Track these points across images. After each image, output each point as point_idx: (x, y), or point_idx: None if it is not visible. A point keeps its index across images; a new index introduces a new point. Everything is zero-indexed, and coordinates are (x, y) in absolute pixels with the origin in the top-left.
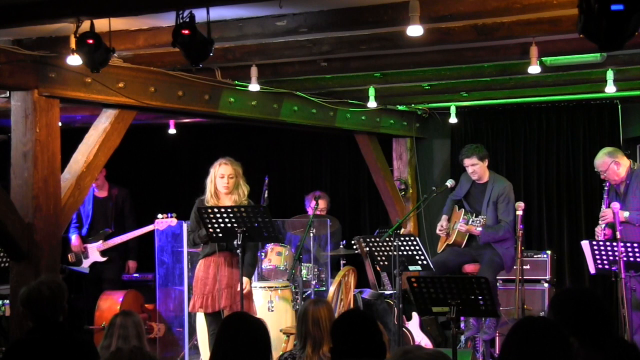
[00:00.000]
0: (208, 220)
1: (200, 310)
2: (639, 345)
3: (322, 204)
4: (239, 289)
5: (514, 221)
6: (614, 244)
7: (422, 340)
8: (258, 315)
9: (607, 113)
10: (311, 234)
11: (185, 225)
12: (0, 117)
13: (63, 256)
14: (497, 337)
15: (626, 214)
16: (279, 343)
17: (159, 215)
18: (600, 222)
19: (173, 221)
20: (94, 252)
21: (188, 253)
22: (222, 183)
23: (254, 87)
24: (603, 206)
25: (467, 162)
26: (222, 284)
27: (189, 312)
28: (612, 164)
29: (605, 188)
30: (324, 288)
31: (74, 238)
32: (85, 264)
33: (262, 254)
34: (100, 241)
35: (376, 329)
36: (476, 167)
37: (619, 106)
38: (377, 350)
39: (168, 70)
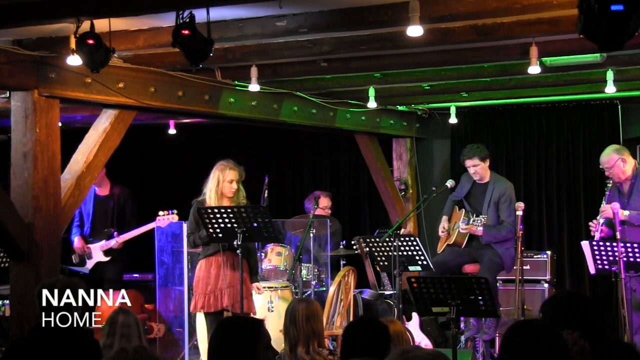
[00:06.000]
0: (208, 221)
1: (202, 310)
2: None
3: (324, 202)
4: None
5: (514, 221)
6: (614, 244)
7: (422, 340)
8: (258, 316)
9: (607, 113)
10: (311, 234)
11: (185, 226)
12: (0, 117)
13: (66, 257)
14: (497, 338)
15: (626, 212)
16: (279, 343)
17: (160, 212)
18: (599, 217)
19: (175, 218)
20: (97, 252)
21: (188, 253)
22: (231, 188)
23: (254, 87)
24: (604, 202)
25: (468, 162)
26: (224, 283)
27: (190, 312)
28: (618, 160)
29: (609, 185)
30: (324, 288)
31: (76, 240)
32: (89, 264)
33: (262, 254)
34: (104, 240)
35: (388, 339)
36: (477, 168)
37: (619, 106)
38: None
39: (168, 70)
